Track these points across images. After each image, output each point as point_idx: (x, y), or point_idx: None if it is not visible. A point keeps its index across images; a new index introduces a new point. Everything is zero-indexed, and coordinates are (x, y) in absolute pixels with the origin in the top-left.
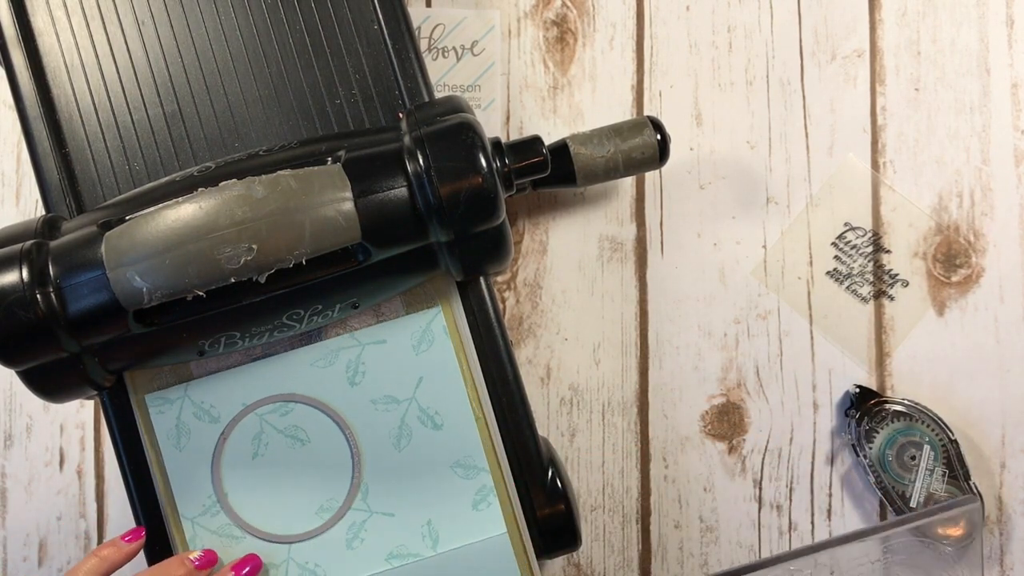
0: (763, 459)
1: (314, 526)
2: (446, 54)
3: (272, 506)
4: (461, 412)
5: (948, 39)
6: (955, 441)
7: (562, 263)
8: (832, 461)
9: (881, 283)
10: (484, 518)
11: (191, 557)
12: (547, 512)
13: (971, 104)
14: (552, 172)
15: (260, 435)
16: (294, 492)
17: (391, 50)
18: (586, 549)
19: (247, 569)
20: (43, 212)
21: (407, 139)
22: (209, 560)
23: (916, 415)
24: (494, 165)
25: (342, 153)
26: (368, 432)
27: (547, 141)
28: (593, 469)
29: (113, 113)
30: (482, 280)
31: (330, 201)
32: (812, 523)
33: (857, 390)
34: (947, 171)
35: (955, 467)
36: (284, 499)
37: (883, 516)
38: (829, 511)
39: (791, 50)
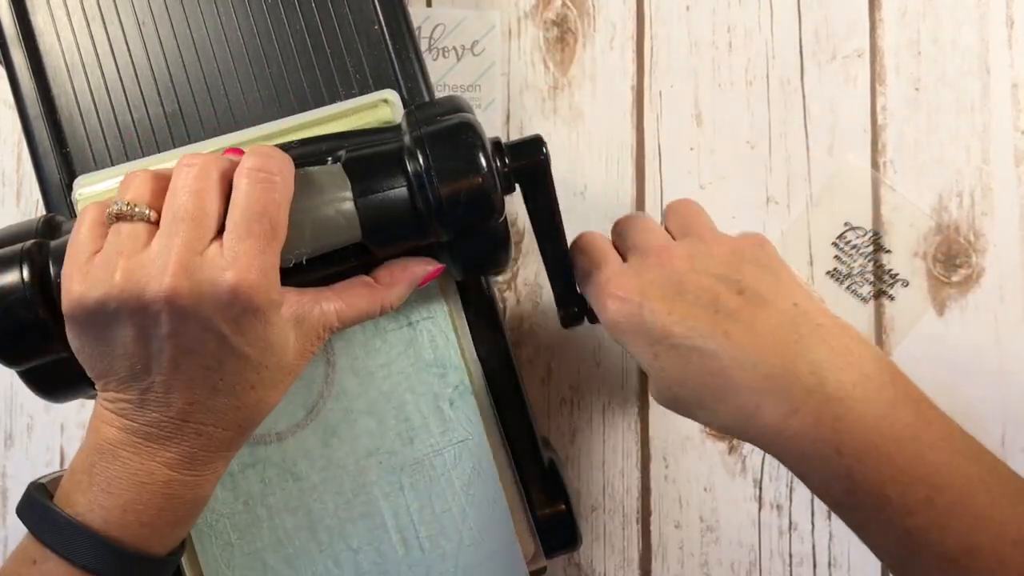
0: (763, 459)
1: (288, 426)
2: (446, 54)
3: None
4: (438, 322)
5: (948, 39)
6: None
7: None
8: None
9: (881, 283)
10: (460, 415)
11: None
12: (547, 512)
13: (971, 104)
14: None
15: None
16: None
17: (391, 50)
18: (586, 549)
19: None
20: (43, 212)
21: (407, 139)
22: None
23: None
24: (494, 165)
25: (342, 153)
26: (343, 335)
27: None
28: (593, 469)
29: (113, 112)
30: (482, 280)
31: (330, 201)
32: (812, 523)
33: None
34: (947, 171)
35: None
36: None
37: None
38: (829, 511)
39: (791, 50)
